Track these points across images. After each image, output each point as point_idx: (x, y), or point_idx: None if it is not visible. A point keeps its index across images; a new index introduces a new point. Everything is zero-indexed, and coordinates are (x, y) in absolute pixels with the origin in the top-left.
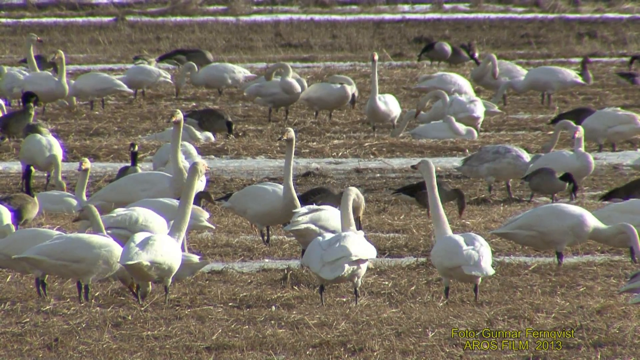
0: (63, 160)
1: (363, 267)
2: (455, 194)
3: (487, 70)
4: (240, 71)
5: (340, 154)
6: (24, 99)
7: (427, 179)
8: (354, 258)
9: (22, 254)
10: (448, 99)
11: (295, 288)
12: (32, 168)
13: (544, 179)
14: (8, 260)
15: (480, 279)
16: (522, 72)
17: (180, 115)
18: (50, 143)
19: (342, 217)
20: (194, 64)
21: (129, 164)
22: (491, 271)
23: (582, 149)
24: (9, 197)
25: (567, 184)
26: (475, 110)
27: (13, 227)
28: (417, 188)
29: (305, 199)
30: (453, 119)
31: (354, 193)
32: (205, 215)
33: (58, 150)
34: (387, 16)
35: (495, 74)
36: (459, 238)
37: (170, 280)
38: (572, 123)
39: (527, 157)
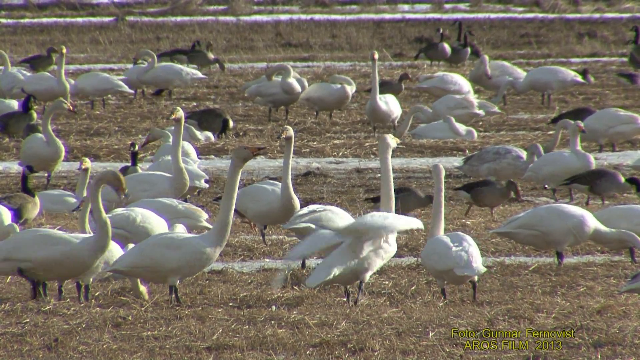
0: (64, 160)
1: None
2: (511, 185)
3: (482, 72)
4: (189, 73)
5: (340, 153)
6: (25, 105)
7: (436, 182)
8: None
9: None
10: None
11: (296, 288)
12: (27, 172)
13: (611, 181)
14: None
15: (476, 277)
16: (521, 74)
17: (180, 113)
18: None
19: (382, 176)
20: (153, 56)
21: (129, 164)
22: (482, 269)
23: (579, 148)
24: (8, 196)
25: (634, 188)
26: (475, 106)
27: (17, 227)
28: (475, 186)
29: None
30: (453, 119)
31: (391, 139)
32: (204, 215)
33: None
34: (387, 16)
35: (487, 73)
36: (446, 239)
37: (176, 280)
38: (571, 122)
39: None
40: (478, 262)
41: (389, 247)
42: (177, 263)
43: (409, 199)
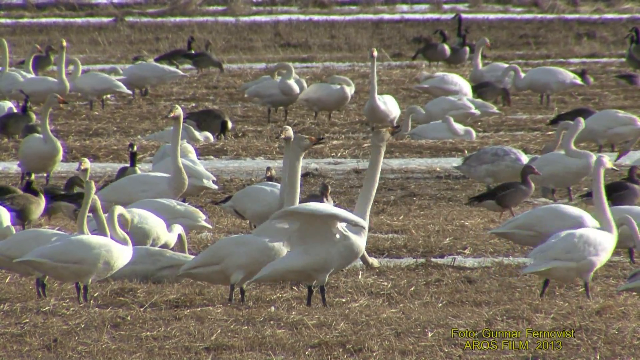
0: (63, 161)
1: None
2: (527, 169)
3: (483, 71)
4: (168, 71)
5: (339, 154)
6: (23, 106)
7: (594, 176)
8: None
9: (24, 257)
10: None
11: (295, 288)
12: (30, 179)
13: None
14: (9, 262)
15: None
16: (520, 75)
17: (179, 111)
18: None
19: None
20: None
21: (128, 165)
22: (530, 270)
23: (572, 146)
24: (12, 197)
25: None
26: (471, 106)
27: (13, 229)
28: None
29: (493, 195)
30: (451, 119)
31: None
32: (202, 216)
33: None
34: (386, 16)
35: (486, 42)
36: (571, 232)
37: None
38: (572, 123)
39: (525, 159)
40: (536, 265)
41: None
42: (245, 259)
43: (515, 193)
